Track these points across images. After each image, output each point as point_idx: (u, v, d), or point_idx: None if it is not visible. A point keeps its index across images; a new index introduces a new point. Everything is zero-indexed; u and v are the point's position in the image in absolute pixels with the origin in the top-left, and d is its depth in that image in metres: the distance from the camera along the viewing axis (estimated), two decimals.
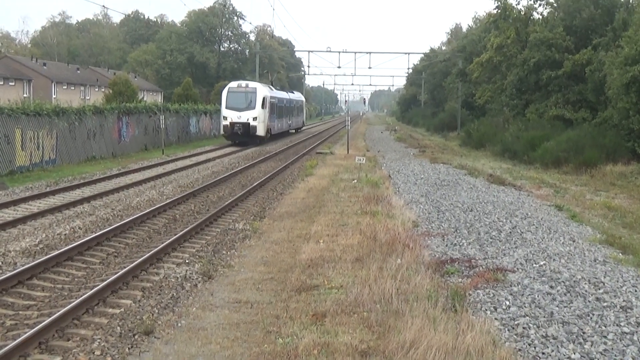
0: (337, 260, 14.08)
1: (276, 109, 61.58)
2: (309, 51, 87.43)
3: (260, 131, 54.46)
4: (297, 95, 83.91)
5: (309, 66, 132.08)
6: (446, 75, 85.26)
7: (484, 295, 11.72)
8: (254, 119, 53.57)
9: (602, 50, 41.06)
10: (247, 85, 55.97)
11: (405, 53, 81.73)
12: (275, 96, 61.85)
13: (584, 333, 9.94)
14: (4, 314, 11.63)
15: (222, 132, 54.78)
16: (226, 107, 53.97)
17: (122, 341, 10.30)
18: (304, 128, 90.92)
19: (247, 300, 12.25)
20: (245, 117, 53.45)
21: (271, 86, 65.82)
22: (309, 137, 70.51)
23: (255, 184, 28.70)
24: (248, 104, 53.89)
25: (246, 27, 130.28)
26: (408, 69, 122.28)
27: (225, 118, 53.72)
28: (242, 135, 53.40)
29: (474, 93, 65.02)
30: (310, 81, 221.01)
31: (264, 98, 54.86)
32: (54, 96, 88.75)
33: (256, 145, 54.02)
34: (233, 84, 56.51)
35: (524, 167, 37.41)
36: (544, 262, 14.22)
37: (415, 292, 11.28)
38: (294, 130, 79.78)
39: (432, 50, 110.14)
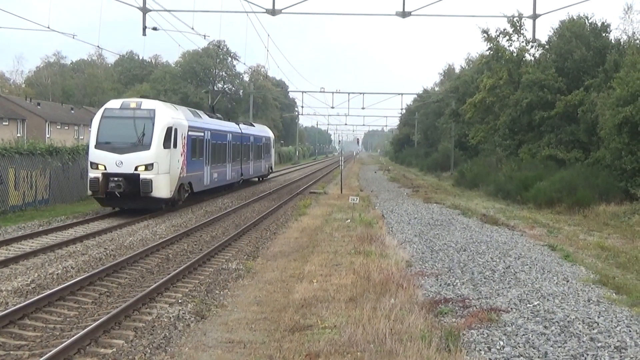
0: (330, 300, 14.03)
1: (206, 148, 39.39)
2: (302, 91, 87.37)
3: (162, 189, 31.46)
4: (259, 130, 61.18)
5: (302, 106, 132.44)
6: (439, 115, 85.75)
7: (477, 335, 11.68)
8: (148, 167, 30.89)
9: (594, 91, 41.34)
10: (138, 105, 32.55)
11: (399, 93, 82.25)
12: (203, 127, 39.26)
13: None
14: None
15: (88, 189, 31.37)
16: (97, 145, 31.36)
17: None
18: (271, 175, 66.62)
19: (240, 340, 12.18)
20: (130, 162, 30.81)
21: (200, 112, 42.90)
22: (303, 177, 70.45)
23: (248, 223, 28.67)
24: (138, 138, 31.40)
25: (240, 67, 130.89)
26: (401, 109, 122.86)
27: (94, 166, 31.01)
28: (126, 197, 31.14)
29: (467, 133, 65.27)
30: (304, 121, 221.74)
31: (170, 129, 32.05)
32: (47, 136, 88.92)
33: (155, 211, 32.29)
34: (113, 103, 33.28)
35: (517, 207, 37.46)
36: (538, 302, 14.20)
37: (409, 332, 11.24)
38: (257, 179, 59.19)
39: (425, 90, 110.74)
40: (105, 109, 32.77)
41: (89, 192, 31.73)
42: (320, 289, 15.28)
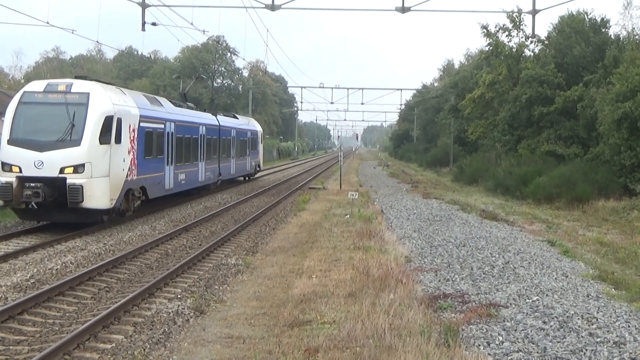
0: (329, 296, 14.05)
1: (169, 143, 32.25)
2: (302, 87, 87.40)
3: (98, 197, 24.30)
4: (243, 122, 53.71)
5: (302, 102, 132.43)
6: (438, 111, 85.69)
7: (477, 331, 11.69)
8: (78, 168, 23.91)
9: (594, 87, 41.37)
10: (68, 88, 25.16)
11: (398, 89, 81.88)
12: (163, 117, 31.81)
13: None
14: None
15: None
16: (11, 140, 24.45)
17: None
18: (264, 173, 63.01)
19: (239, 335, 12.18)
20: (53, 163, 23.87)
21: (162, 99, 35.51)
22: (302, 173, 70.38)
23: (248, 218, 28.66)
24: (65, 131, 24.28)
25: (239, 63, 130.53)
26: (400, 104, 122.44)
27: (6, 167, 24.17)
28: (48, 208, 24.12)
29: (466, 129, 65.31)
30: (303, 117, 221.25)
31: (110, 119, 24.93)
32: None
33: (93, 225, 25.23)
34: (35, 85, 25.97)
35: (516, 203, 37.46)
36: (537, 297, 14.21)
37: (408, 328, 11.25)
38: (242, 178, 53.46)
39: (424, 86, 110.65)
40: (24, 92, 25.25)
41: (0, 202, 24.76)
42: (319, 284, 15.30)
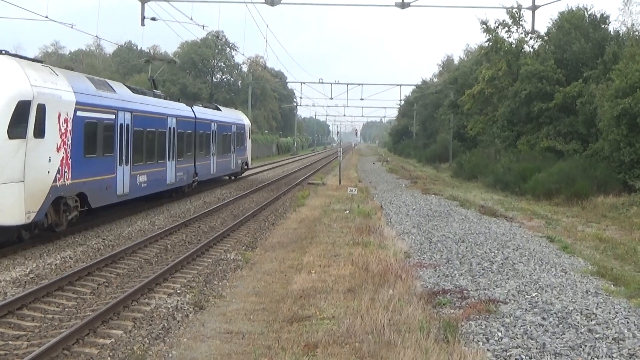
0: (329, 291, 14.05)
1: (122, 138, 26.77)
2: (301, 82, 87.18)
3: (7, 210, 18.92)
4: (227, 115, 48.59)
5: (301, 97, 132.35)
6: (438, 106, 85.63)
7: (476, 327, 11.70)
8: None
9: (593, 83, 41.31)
10: None
11: (397, 85, 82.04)
12: (113, 106, 26.28)
13: None
14: None
15: None
16: None
17: None
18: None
19: (238, 330, 12.19)
20: None
21: (113, 82, 28.69)
22: (301, 168, 70.42)
23: (247, 214, 28.67)
24: None
25: (239, 58, 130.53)
26: (400, 100, 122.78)
27: None
28: None
29: (465, 124, 65.27)
30: (303, 112, 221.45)
31: (25, 105, 19.46)
32: None
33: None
34: None
35: (515, 199, 37.47)
36: (536, 293, 14.23)
37: (407, 323, 11.26)
38: (228, 177, 48.89)
39: (423, 82, 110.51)
40: None
41: None
42: (318, 279, 15.30)
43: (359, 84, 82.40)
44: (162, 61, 49.46)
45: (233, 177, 49.95)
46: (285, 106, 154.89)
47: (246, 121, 53.63)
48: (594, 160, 37.77)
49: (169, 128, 32.67)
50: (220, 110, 47.66)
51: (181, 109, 36.12)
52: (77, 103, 22.43)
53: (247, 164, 52.98)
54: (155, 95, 32.91)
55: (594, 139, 40.48)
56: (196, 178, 37.93)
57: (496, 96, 53.94)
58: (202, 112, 40.45)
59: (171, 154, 32.94)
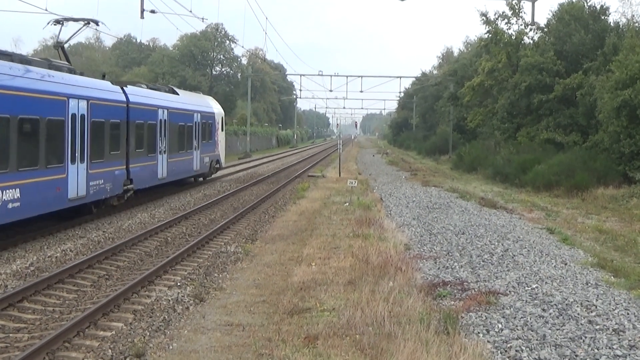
0: (329, 283, 14.05)
1: None
2: (300, 75, 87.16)
3: None
4: (188, 101, 38.30)
5: (300, 89, 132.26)
6: (437, 98, 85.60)
7: (476, 318, 11.71)
8: None
9: (593, 75, 41.29)
10: None
11: (397, 77, 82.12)
12: None
13: (576, 356, 9.94)
14: None
15: None
16: None
17: None
18: (219, 174, 45.79)
19: (239, 322, 12.19)
20: None
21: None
22: (301, 161, 70.40)
23: (247, 206, 28.66)
24: None
25: (238, 50, 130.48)
26: (400, 92, 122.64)
27: None
28: None
29: (465, 116, 65.24)
30: (302, 104, 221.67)
31: None
32: None
33: None
34: None
35: (515, 190, 37.47)
36: (536, 285, 14.24)
37: (407, 315, 11.26)
38: (194, 179, 40.26)
39: (423, 74, 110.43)
40: None
41: None
42: (319, 272, 15.30)
43: (359, 76, 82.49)
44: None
45: (202, 179, 41.08)
46: (284, 98, 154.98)
47: (217, 109, 43.43)
48: (594, 152, 37.76)
49: (72, 115, 22.68)
50: (178, 94, 36.54)
51: (100, 88, 25.70)
52: None
53: (218, 162, 43.22)
54: (52, 67, 22.75)
55: (593, 131, 40.47)
56: (130, 186, 27.64)
57: (496, 88, 53.90)
58: (140, 95, 29.86)
59: (77, 155, 23.01)
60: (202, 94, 47.59)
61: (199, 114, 38.20)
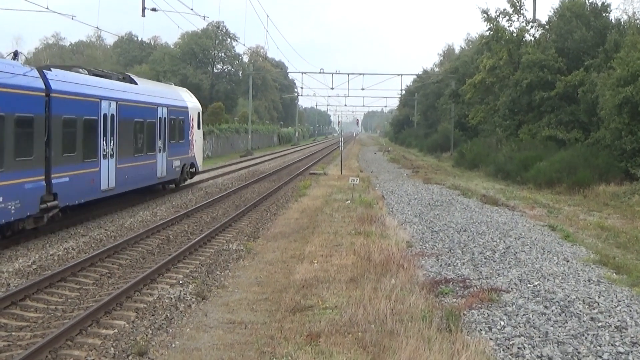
0: (331, 281, 14.05)
1: None
2: (302, 72, 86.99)
3: None
4: (152, 91, 31.75)
5: (302, 87, 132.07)
6: (439, 96, 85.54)
7: (478, 315, 11.71)
8: None
9: (594, 72, 41.26)
10: None
11: (398, 74, 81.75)
12: None
13: (579, 353, 9.94)
14: None
15: None
16: None
17: None
18: (196, 179, 39.22)
19: (241, 320, 12.20)
20: None
21: None
22: (303, 158, 70.35)
23: (249, 204, 28.65)
24: None
25: (239, 48, 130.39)
26: (401, 90, 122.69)
27: None
28: None
29: (466, 114, 65.17)
30: (304, 102, 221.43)
31: None
32: None
33: None
34: None
35: (517, 188, 37.45)
36: (538, 282, 14.23)
37: (409, 313, 11.26)
38: (163, 186, 33.34)
39: (424, 71, 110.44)
40: None
41: None
42: (320, 269, 15.30)
43: (360, 74, 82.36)
44: None
45: (173, 185, 34.56)
46: (286, 96, 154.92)
47: (191, 102, 36.97)
48: (595, 149, 37.74)
49: None
50: (136, 83, 29.96)
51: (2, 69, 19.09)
52: None
53: (194, 165, 36.94)
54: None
55: (595, 128, 40.44)
56: (52, 203, 21.06)
57: (497, 85, 53.87)
58: (71, 81, 23.15)
59: None
60: (174, 85, 40.90)
61: (165, 109, 31.65)
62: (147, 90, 30.59)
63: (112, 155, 25.46)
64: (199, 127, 37.62)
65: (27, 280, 15.00)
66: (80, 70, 25.32)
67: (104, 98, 25.01)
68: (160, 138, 30.87)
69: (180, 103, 34.73)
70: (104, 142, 24.86)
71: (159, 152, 30.79)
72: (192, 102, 36.93)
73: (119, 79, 28.39)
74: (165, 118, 31.48)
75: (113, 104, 25.66)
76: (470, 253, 17.56)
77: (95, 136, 24.24)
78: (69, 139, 22.28)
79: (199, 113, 37.99)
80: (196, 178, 38.73)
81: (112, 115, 25.54)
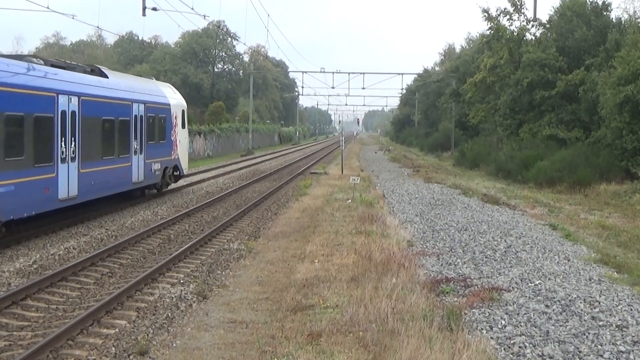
0: (332, 280, 14.05)
1: None
2: (302, 72, 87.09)
3: None
4: (119, 84, 27.11)
5: (302, 87, 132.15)
6: (440, 95, 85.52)
7: (479, 315, 11.71)
8: None
9: (595, 71, 41.25)
10: None
11: (399, 73, 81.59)
12: None
13: (580, 352, 9.93)
14: None
15: None
16: None
17: None
18: (181, 183, 35.88)
19: (242, 320, 12.20)
20: None
21: None
22: (303, 158, 70.38)
23: (249, 204, 28.66)
24: None
25: (240, 47, 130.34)
26: (402, 89, 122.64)
27: None
28: None
29: (467, 113, 65.15)
30: (304, 102, 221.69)
31: None
32: None
33: None
34: None
35: (518, 187, 37.44)
36: (539, 281, 14.23)
37: (410, 312, 11.26)
38: (141, 192, 30.33)
39: (425, 70, 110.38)
40: None
41: None
42: (321, 268, 15.30)
43: (361, 73, 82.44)
44: None
45: (155, 191, 31.76)
46: (286, 95, 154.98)
47: (174, 99, 33.57)
48: (596, 148, 37.72)
49: None
50: (107, 76, 26.19)
51: None
52: None
53: (178, 168, 33.48)
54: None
55: (596, 127, 40.43)
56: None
57: (498, 84, 53.84)
58: (18, 72, 19.64)
59: None
60: (155, 80, 35.93)
61: (142, 105, 28.44)
62: (120, 85, 27.05)
63: (73, 159, 22.18)
64: (183, 126, 34.43)
65: (28, 280, 15.01)
66: (35, 60, 21.64)
67: (63, 92, 21.59)
68: (135, 138, 27.69)
69: (161, 99, 31.46)
70: (62, 143, 21.51)
71: (135, 154, 27.62)
72: (175, 99, 33.60)
73: (85, 72, 24.76)
74: (142, 116, 28.33)
75: (74, 99, 22.35)
76: (471, 252, 17.56)
77: (51, 137, 20.82)
78: (14, 141, 18.85)
79: (183, 111, 34.55)
80: (197, 177, 38.66)
81: (74, 112, 22.26)
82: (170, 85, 35.68)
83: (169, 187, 33.28)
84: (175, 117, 32.73)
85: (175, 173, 33.19)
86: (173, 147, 32.45)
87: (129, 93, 27.48)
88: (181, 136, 33.84)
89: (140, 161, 28.18)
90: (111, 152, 25.31)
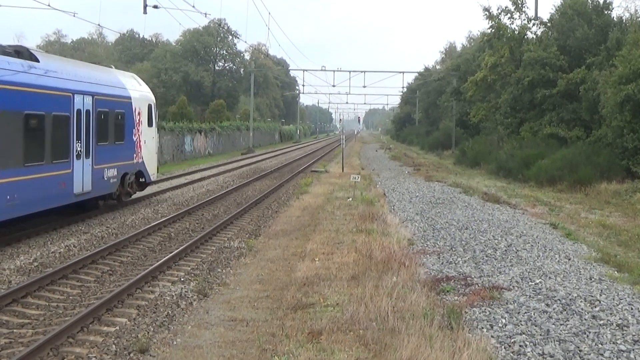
0: (332, 278, 14.04)
1: None
2: (303, 70, 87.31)
3: None
4: (67, 72, 21.84)
5: (303, 85, 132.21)
6: (440, 94, 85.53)
7: (480, 313, 11.70)
8: None
9: (596, 69, 41.20)
10: None
11: (400, 72, 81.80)
12: None
13: (580, 351, 9.93)
14: None
15: None
16: None
17: (117, 359, 10.26)
18: (148, 191, 30.75)
19: (242, 318, 12.20)
20: None
21: None
22: (304, 156, 70.37)
23: (250, 202, 28.66)
24: None
25: (241, 46, 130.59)
26: (402, 87, 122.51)
27: None
28: None
29: (468, 112, 65.11)
30: (305, 100, 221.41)
31: None
32: None
33: None
34: None
35: (518, 186, 37.43)
36: (540, 280, 14.22)
37: (411, 310, 11.26)
38: (96, 202, 25.04)
39: (426, 69, 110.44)
40: None
41: None
42: (322, 267, 15.30)
43: (362, 72, 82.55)
44: None
45: (115, 201, 26.61)
46: (287, 94, 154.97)
47: (137, 91, 28.10)
48: (597, 147, 37.68)
49: None
50: (37, 60, 20.37)
51: None
52: None
53: (143, 173, 28.32)
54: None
55: (597, 126, 40.39)
56: None
57: (499, 83, 53.80)
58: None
59: None
60: (115, 68, 29.77)
61: (89, 98, 23.04)
62: (55, 71, 21.11)
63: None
64: (150, 124, 28.91)
65: (29, 278, 15.02)
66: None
67: None
68: (78, 139, 22.19)
69: (119, 91, 25.91)
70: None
71: (77, 158, 22.13)
72: (138, 91, 28.09)
73: (5, 53, 18.82)
74: (88, 110, 22.92)
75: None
76: (472, 251, 17.55)
77: None
78: None
79: (150, 105, 28.97)
80: (197, 175, 38.63)
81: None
82: (134, 75, 29.91)
83: (127, 198, 27.50)
84: (139, 114, 27.57)
85: (140, 180, 28.23)
86: (135, 150, 27.24)
87: (69, 82, 21.80)
88: (147, 136, 28.46)
89: (86, 167, 22.81)
90: (40, 156, 19.88)
